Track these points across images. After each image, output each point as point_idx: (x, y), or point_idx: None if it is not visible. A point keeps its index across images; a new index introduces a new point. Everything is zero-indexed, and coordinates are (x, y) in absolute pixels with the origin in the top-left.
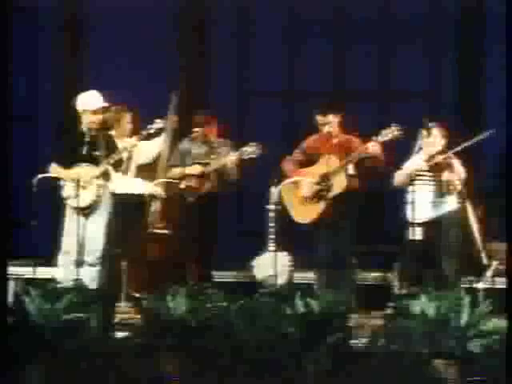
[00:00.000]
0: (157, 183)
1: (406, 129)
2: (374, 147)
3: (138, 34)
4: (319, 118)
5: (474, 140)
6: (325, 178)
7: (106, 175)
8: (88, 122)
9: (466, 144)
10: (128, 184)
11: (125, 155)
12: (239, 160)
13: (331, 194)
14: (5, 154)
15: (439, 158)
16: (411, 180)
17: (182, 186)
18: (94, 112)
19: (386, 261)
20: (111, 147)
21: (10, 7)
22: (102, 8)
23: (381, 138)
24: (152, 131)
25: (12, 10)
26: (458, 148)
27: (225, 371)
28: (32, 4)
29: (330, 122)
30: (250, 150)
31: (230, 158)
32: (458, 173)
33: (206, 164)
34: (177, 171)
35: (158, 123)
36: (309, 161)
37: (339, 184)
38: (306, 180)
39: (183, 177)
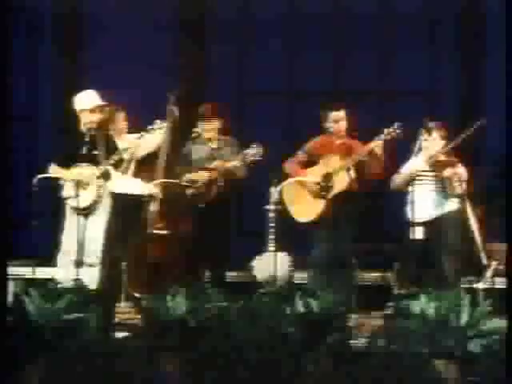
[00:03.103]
0: (156, 183)
1: (406, 129)
2: (376, 147)
3: (138, 33)
4: (334, 114)
5: (466, 132)
6: (326, 178)
7: (106, 175)
8: (86, 121)
9: (460, 137)
10: (127, 184)
11: (126, 155)
12: (243, 163)
13: (332, 194)
14: (5, 154)
15: (441, 158)
16: (409, 183)
17: (190, 191)
18: (92, 111)
19: (386, 261)
20: (111, 147)
21: (10, 7)
22: (102, 8)
23: (383, 137)
24: (152, 132)
25: (12, 9)
26: (454, 143)
27: (225, 371)
28: (32, 4)
29: (337, 119)
30: (253, 153)
31: (233, 164)
32: (459, 173)
33: (212, 170)
34: (184, 177)
35: (158, 123)
36: (311, 161)
37: (340, 184)
38: (308, 180)
39: (190, 182)
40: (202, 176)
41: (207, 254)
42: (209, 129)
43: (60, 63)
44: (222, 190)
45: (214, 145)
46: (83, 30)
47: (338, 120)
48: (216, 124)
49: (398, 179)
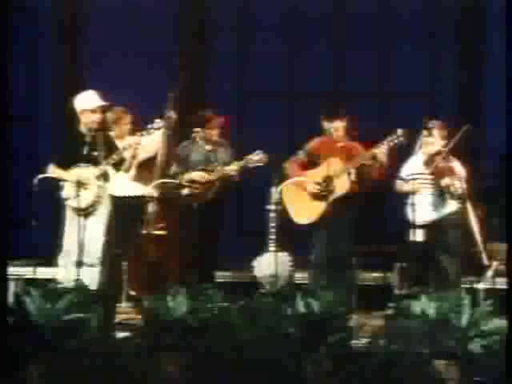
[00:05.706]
0: (156, 184)
1: (406, 129)
2: (379, 154)
3: (138, 34)
4: (325, 123)
5: (457, 136)
6: (327, 180)
7: (105, 176)
8: (87, 121)
9: (452, 141)
10: (127, 187)
11: (127, 154)
12: (244, 168)
13: (333, 196)
14: (5, 154)
15: (440, 160)
16: (414, 188)
17: (186, 191)
18: (93, 111)
19: (387, 261)
20: (111, 147)
21: (10, 7)
22: (102, 8)
23: (386, 143)
24: (152, 131)
25: (12, 9)
26: (448, 147)
27: (225, 371)
28: (32, 4)
29: (337, 128)
30: (256, 159)
31: (235, 168)
32: (459, 174)
33: (211, 171)
34: (183, 177)
35: (158, 123)
36: (311, 163)
37: (342, 187)
38: (308, 181)
39: (187, 182)
40: (202, 177)
41: (202, 255)
42: (207, 133)
43: (60, 63)
44: (218, 191)
45: (210, 147)
46: (83, 30)
47: (337, 128)
48: (215, 131)
49: (402, 186)
